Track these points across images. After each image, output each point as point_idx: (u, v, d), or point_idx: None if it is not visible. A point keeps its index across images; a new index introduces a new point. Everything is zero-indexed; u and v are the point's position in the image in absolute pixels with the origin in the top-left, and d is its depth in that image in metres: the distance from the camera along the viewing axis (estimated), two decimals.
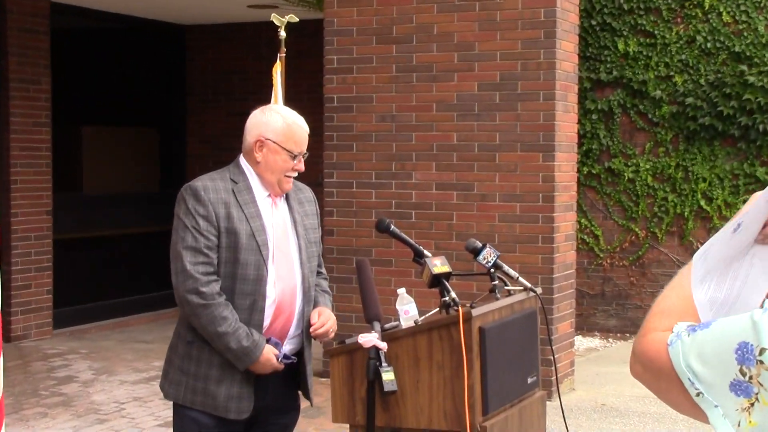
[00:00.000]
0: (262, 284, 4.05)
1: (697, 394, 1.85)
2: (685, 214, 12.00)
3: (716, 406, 1.83)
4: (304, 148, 4.20)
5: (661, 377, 1.96)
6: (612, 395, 8.70)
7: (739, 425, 1.81)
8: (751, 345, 1.79)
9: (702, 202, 11.92)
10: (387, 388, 3.82)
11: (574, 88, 8.79)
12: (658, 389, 2.02)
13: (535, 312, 4.72)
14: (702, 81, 11.84)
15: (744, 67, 11.66)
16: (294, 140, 4.16)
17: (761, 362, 1.77)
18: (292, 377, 4.29)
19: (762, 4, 11.65)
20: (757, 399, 1.78)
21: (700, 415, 1.88)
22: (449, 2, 8.41)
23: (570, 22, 8.57)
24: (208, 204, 4.01)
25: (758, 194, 2.20)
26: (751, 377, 1.78)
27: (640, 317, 11.93)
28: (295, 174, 4.19)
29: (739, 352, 1.80)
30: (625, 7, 12.07)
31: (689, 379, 1.86)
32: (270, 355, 4.00)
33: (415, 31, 8.50)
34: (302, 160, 4.19)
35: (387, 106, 8.60)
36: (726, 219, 11.79)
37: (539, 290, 4.81)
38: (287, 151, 4.11)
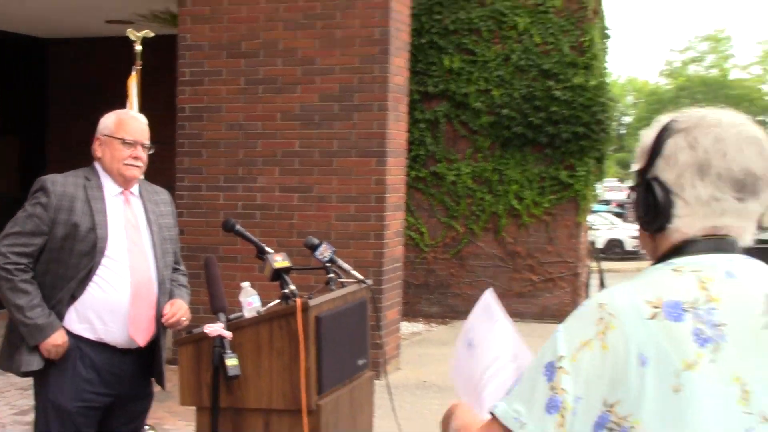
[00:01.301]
0: (92, 275, 4.02)
1: (521, 426, 1.83)
2: (499, 212, 12.21)
3: None
4: (138, 137, 4.17)
5: None
6: (433, 374, 8.79)
7: None
8: (553, 360, 1.83)
9: (514, 202, 12.15)
10: (231, 373, 3.83)
11: (405, 100, 8.87)
12: None
13: (365, 301, 4.77)
14: (516, 94, 12.07)
15: (551, 83, 11.96)
16: (125, 129, 4.15)
17: (561, 368, 1.82)
18: (147, 366, 4.26)
19: (566, 28, 12.00)
20: (564, 407, 1.80)
21: None
22: (293, 21, 8.41)
23: (402, 40, 8.65)
24: (52, 195, 3.97)
25: (486, 296, 2.34)
26: (556, 389, 1.81)
27: (459, 304, 12.22)
28: (137, 163, 4.15)
29: (546, 372, 1.83)
30: (450, 27, 12.24)
31: (514, 418, 1.84)
32: (58, 342, 3.95)
33: (262, 47, 8.47)
34: (140, 149, 4.16)
35: (235, 116, 8.54)
36: (534, 216, 12.18)
37: (370, 282, 4.87)
38: (119, 139, 4.10)
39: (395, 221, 8.63)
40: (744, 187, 1.92)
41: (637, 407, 1.79)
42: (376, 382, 5.18)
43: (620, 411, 1.79)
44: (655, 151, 1.97)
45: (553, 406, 1.80)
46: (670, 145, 1.95)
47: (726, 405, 1.80)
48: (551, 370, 1.82)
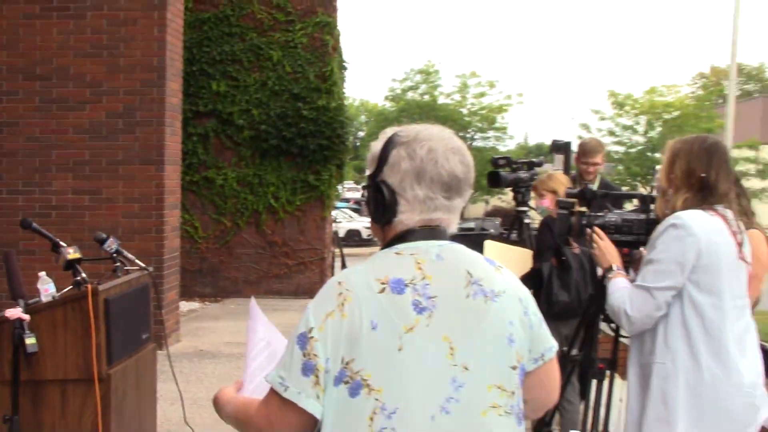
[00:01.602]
0: None
1: (285, 389, 1.83)
2: (260, 209, 12.24)
3: (299, 393, 1.83)
4: None
5: (282, 415, 1.87)
6: (207, 343, 8.72)
7: (318, 398, 1.83)
8: (305, 332, 1.84)
9: (272, 201, 12.22)
10: (29, 350, 3.61)
11: (179, 117, 8.70)
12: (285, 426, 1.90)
13: (148, 285, 4.66)
14: (272, 113, 12.12)
15: (300, 104, 12.10)
16: None
17: (312, 337, 1.83)
18: None
19: (311, 61, 12.17)
20: (317, 369, 1.82)
21: (298, 415, 1.84)
22: (82, 49, 8.04)
23: (176, 68, 8.48)
24: None
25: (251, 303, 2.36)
26: (309, 355, 1.82)
27: (228, 285, 12.14)
28: None
29: (299, 342, 1.84)
30: (217, 58, 12.14)
31: (279, 382, 1.85)
32: None
33: (55, 71, 8.05)
34: None
35: (32, 129, 8.06)
36: (288, 212, 12.26)
37: (151, 269, 4.77)
38: None
39: (172, 218, 8.46)
40: (451, 188, 1.99)
41: (369, 363, 1.82)
42: (159, 352, 5.07)
43: (354, 366, 1.82)
44: (382, 159, 2.00)
45: (308, 369, 1.82)
46: (394, 155, 1.98)
47: (437, 359, 1.86)
48: (304, 339, 1.84)
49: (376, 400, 1.80)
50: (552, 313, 4.71)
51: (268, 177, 12.20)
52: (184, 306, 10.79)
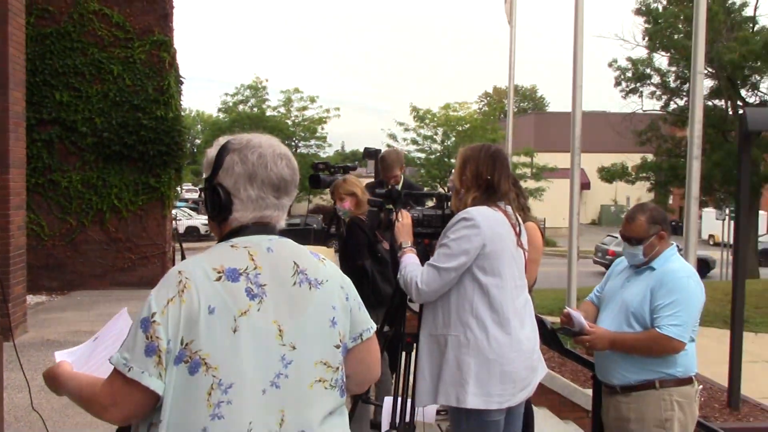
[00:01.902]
0: None
1: (129, 370, 1.79)
2: (104, 209, 11.70)
3: (143, 372, 1.78)
4: None
5: (126, 393, 1.81)
6: (54, 333, 8.21)
7: (160, 376, 1.79)
8: (148, 317, 1.81)
9: (115, 201, 11.71)
10: None
11: (23, 124, 8.10)
12: (134, 411, 1.83)
13: None
14: (114, 122, 11.60)
15: (140, 114, 11.68)
16: None
17: (154, 321, 1.80)
18: None
19: (150, 75, 11.76)
20: (160, 350, 1.78)
21: (142, 393, 1.79)
22: None
23: (19, 78, 7.88)
24: None
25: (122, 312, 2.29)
26: (152, 338, 1.79)
27: (75, 279, 11.50)
28: None
29: (142, 326, 1.80)
30: (60, 70, 11.45)
31: (123, 363, 1.80)
32: None
33: None
34: None
35: None
36: (131, 211, 11.78)
37: None
38: None
39: (18, 218, 7.88)
40: (279, 189, 2.01)
41: (207, 343, 1.80)
42: (6, 343, 4.73)
43: (193, 347, 1.80)
44: (217, 164, 2.00)
45: (151, 351, 1.78)
46: (228, 160, 1.99)
47: (268, 339, 1.87)
48: (147, 323, 1.80)
49: (214, 376, 1.79)
50: (377, 302, 4.78)
51: (111, 179, 11.70)
52: (32, 299, 10.15)
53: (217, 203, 1.97)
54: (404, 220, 3.57)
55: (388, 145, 36.13)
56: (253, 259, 1.90)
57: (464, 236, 3.16)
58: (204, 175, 2.04)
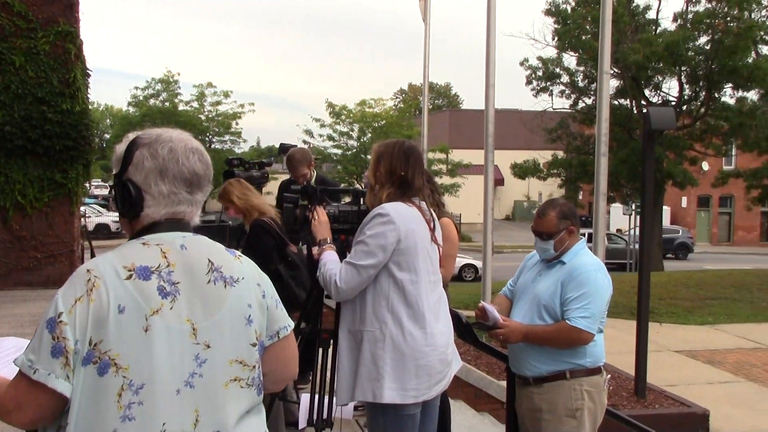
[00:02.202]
0: None
1: (35, 372, 1.74)
2: (7, 206, 11.21)
3: (49, 374, 1.73)
4: None
5: (31, 396, 1.76)
6: None
7: (68, 378, 1.74)
8: (54, 317, 1.75)
9: (19, 198, 11.23)
10: None
11: None
12: (40, 414, 1.78)
13: None
14: (16, 116, 11.11)
15: (45, 108, 11.23)
16: None
17: (61, 321, 1.75)
18: None
19: (54, 67, 11.33)
20: (67, 350, 1.73)
21: (48, 395, 1.74)
22: None
23: None
24: None
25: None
26: (59, 338, 1.74)
27: None
28: None
29: (48, 327, 1.75)
30: None
31: (28, 365, 1.74)
32: None
33: None
34: None
35: None
36: (36, 208, 11.34)
37: None
38: None
39: None
40: (192, 184, 1.98)
41: (117, 343, 1.76)
42: None
43: (103, 347, 1.75)
44: (127, 160, 1.94)
45: (58, 352, 1.73)
46: (137, 155, 1.94)
47: (181, 338, 1.84)
48: (53, 324, 1.74)
49: (124, 377, 1.75)
50: (292, 308, 4.72)
51: (14, 175, 11.19)
52: None
53: (127, 200, 1.92)
54: (321, 217, 3.57)
55: (304, 141, 36.00)
56: (165, 257, 1.87)
57: (380, 233, 3.17)
58: (113, 172, 1.99)
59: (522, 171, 26.45)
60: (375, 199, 3.35)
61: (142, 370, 1.76)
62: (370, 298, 3.21)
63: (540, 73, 24.90)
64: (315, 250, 3.51)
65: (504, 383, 5.55)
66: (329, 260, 3.33)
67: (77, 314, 1.75)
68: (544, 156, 26.23)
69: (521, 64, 25.16)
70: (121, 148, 1.99)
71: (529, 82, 25.21)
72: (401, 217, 3.21)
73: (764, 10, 24.02)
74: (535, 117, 24.82)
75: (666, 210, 33.10)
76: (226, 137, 42.16)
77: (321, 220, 3.56)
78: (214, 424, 1.85)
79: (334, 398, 3.55)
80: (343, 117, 35.57)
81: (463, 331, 4.05)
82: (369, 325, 3.19)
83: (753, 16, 23.16)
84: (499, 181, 47.21)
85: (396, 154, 3.35)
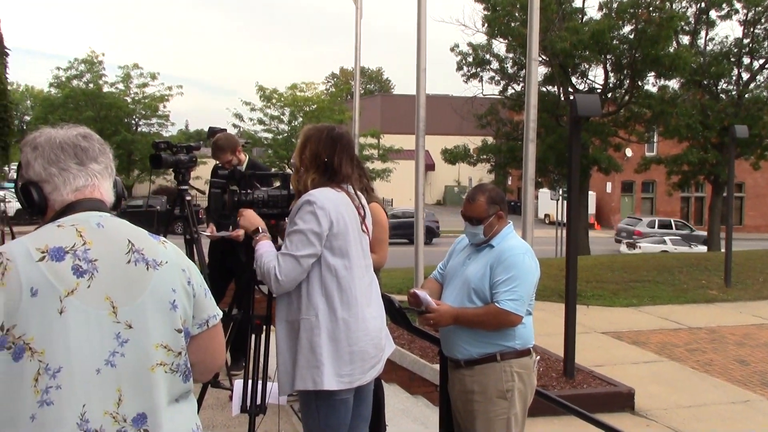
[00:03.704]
0: None
1: None
2: None
3: None
4: None
5: None
6: None
7: None
8: None
9: None
10: None
11: None
12: None
13: None
14: None
15: None
16: None
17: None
18: None
19: None
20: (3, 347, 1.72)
21: None
22: None
23: None
24: None
25: None
26: (7, 330, 1.72)
27: None
28: None
29: None
30: None
31: None
32: None
33: None
34: None
35: None
36: None
37: None
38: None
39: None
40: (77, 155, 1.97)
41: (31, 327, 1.72)
42: None
43: (16, 332, 1.72)
44: (20, 165, 1.98)
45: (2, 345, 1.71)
46: (23, 156, 1.98)
47: (100, 317, 1.81)
48: None
49: (40, 361, 1.72)
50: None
51: None
52: None
53: (32, 202, 1.95)
54: (246, 212, 3.49)
55: (234, 125, 35.46)
56: (81, 236, 1.84)
57: (312, 220, 3.15)
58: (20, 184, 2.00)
59: (452, 156, 26.70)
60: (300, 183, 3.31)
61: (59, 353, 1.73)
62: (305, 285, 3.18)
63: (470, 59, 25.11)
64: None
65: (438, 366, 5.62)
66: (265, 251, 3.26)
67: None
68: (474, 141, 26.52)
69: (452, 50, 25.33)
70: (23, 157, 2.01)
71: (459, 68, 25.40)
72: (331, 202, 3.18)
73: (684, 1, 24.84)
74: (465, 103, 25.05)
75: (591, 195, 33.94)
76: (154, 120, 41.21)
77: (247, 214, 3.48)
78: (139, 406, 1.82)
79: (275, 388, 3.52)
80: (273, 101, 35.20)
81: (396, 315, 4.08)
82: (305, 313, 3.17)
83: (674, 6, 23.89)
84: (430, 166, 47.57)
85: (323, 140, 3.31)
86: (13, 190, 31.54)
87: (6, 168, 12.67)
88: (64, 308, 1.75)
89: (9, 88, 11.87)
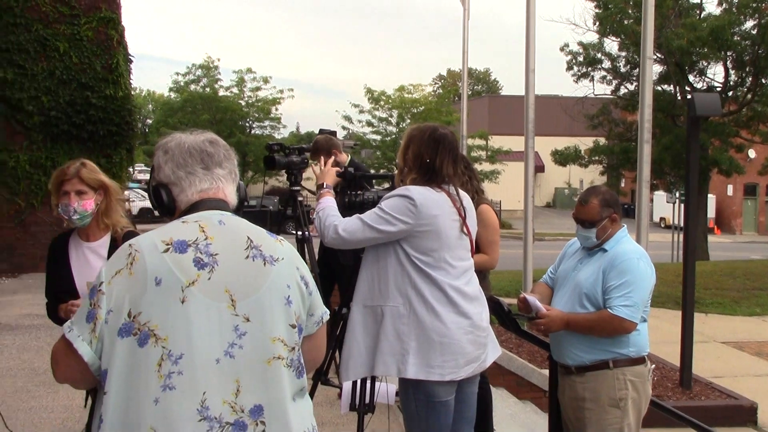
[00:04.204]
0: None
1: (70, 331, 1.85)
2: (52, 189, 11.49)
3: (79, 336, 1.83)
4: None
5: (64, 355, 1.88)
6: (6, 316, 8.03)
7: (91, 343, 1.83)
8: (96, 285, 1.86)
9: None
10: None
11: None
12: (69, 372, 1.90)
13: None
14: (61, 101, 11.33)
15: (89, 93, 11.43)
16: None
17: (100, 290, 1.85)
18: None
19: (97, 53, 11.52)
20: (97, 318, 1.82)
21: (76, 358, 1.84)
22: None
23: None
24: None
25: None
26: (95, 305, 1.84)
27: (25, 261, 11.24)
28: None
29: (91, 295, 1.86)
30: (3, 46, 11.11)
31: (68, 327, 1.87)
32: None
33: None
34: None
35: None
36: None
37: None
38: None
39: None
40: (203, 160, 2.07)
41: (155, 315, 1.82)
42: None
43: (141, 319, 1.81)
44: (152, 167, 2.11)
45: (90, 317, 1.83)
46: (155, 159, 2.10)
47: (219, 309, 1.88)
48: (94, 292, 1.85)
49: (163, 347, 1.80)
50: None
51: (60, 160, 11.41)
52: None
53: (161, 203, 2.06)
54: (326, 166, 3.68)
55: (343, 127, 36.03)
56: (203, 231, 1.93)
57: (399, 210, 3.15)
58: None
59: (563, 158, 26.13)
60: (403, 183, 3.34)
61: (181, 341, 1.81)
62: (392, 274, 3.18)
63: (581, 59, 24.51)
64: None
65: (546, 372, 5.51)
66: (328, 205, 3.37)
67: (115, 286, 1.84)
68: (585, 142, 25.86)
69: (561, 49, 24.80)
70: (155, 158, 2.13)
71: (569, 68, 24.84)
72: (425, 201, 3.17)
73: None
74: (576, 103, 24.46)
75: (711, 198, 32.43)
76: (266, 123, 42.42)
77: (326, 168, 3.65)
78: (256, 398, 1.87)
79: (384, 387, 3.53)
80: (381, 103, 35.51)
81: (505, 318, 4.02)
82: (392, 301, 3.17)
83: None
84: (540, 168, 46.77)
85: (425, 140, 3.30)
86: (137, 189, 33.12)
87: (130, 169, 13.33)
88: (185, 298, 1.84)
89: (132, 93, 12.48)
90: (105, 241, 3.38)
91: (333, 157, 3.72)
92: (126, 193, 13.34)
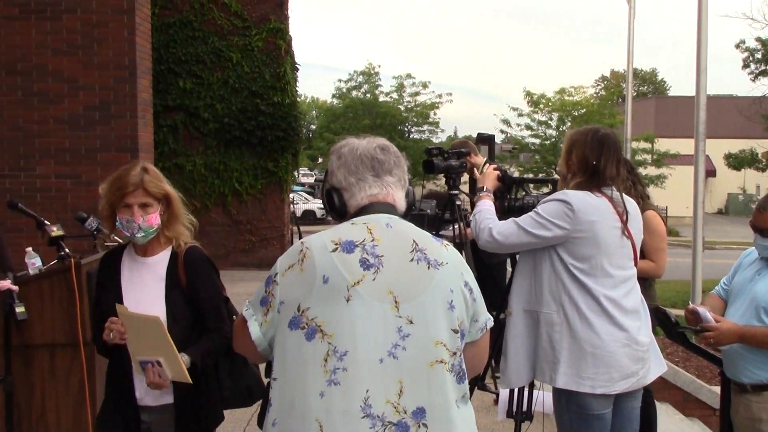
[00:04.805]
0: None
1: (246, 309, 2.02)
2: (226, 192, 12.18)
3: (252, 315, 2.00)
4: None
5: (239, 331, 2.09)
6: None
7: (261, 325, 1.96)
8: (272, 275, 1.99)
9: (236, 185, 12.18)
10: (19, 317, 3.52)
11: (150, 110, 8.51)
12: (241, 346, 2.12)
13: None
14: (234, 108, 12.04)
15: (258, 100, 12.05)
16: None
17: (275, 281, 1.97)
18: None
19: (266, 62, 12.10)
20: (270, 304, 1.95)
21: (248, 336, 2.01)
22: (59, 48, 7.78)
23: (145, 66, 8.27)
24: None
25: None
26: (269, 293, 1.97)
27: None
28: None
29: (267, 282, 1.99)
30: (183, 58, 11.97)
31: (246, 308, 2.04)
32: None
33: (35, 68, 7.78)
34: None
35: (15, 120, 7.78)
36: (251, 194, 12.23)
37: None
38: None
39: None
40: (374, 167, 2.12)
41: (322, 311, 1.88)
42: None
43: (310, 314, 1.89)
44: (327, 171, 2.19)
45: (264, 302, 1.97)
46: (329, 164, 2.18)
47: (383, 310, 1.91)
48: (270, 281, 1.98)
49: (329, 343, 1.86)
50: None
51: (232, 164, 12.16)
52: None
53: (333, 207, 2.13)
54: (488, 170, 3.65)
55: (501, 131, 35.66)
56: (371, 233, 1.97)
57: (556, 215, 3.07)
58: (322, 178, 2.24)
59: (737, 161, 24.57)
60: (567, 188, 3.24)
61: (345, 338, 1.86)
62: (547, 280, 3.11)
63: (758, 56, 22.90)
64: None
65: (717, 388, 5.18)
66: (485, 209, 3.34)
67: (287, 279, 1.94)
68: (762, 145, 24.14)
69: (737, 46, 23.29)
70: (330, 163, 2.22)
71: (746, 66, 23.30)
72: (583, 206, 3.07)
73: None
74: (752, 103, 22.88)
75: None
76: (425, 127, 42.76)
77: (488, 171, 3.62)
78: (420, 400, 1.88)
79: (541, 396, 3.46)
80: (541, 106, 34.81)
81: (672, 330, 3.82)
82: (546, 307, 3.10)
83: None
84: (711, 173, 44.10)
85: (589, 143, 3.20)
86: (301, 192, 34.36)
87: (295, 173, 13.93)
88: (350, 297, 1.89)
89: (298, 100, 13.02)
90: (164, 256, 2.89)
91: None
92: (291, 195, 13.94)
